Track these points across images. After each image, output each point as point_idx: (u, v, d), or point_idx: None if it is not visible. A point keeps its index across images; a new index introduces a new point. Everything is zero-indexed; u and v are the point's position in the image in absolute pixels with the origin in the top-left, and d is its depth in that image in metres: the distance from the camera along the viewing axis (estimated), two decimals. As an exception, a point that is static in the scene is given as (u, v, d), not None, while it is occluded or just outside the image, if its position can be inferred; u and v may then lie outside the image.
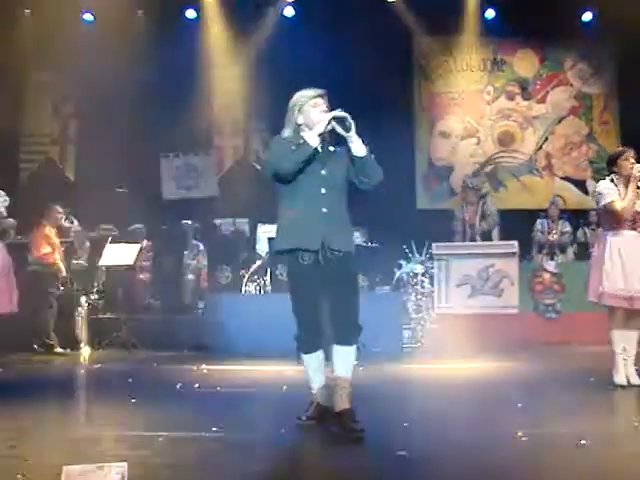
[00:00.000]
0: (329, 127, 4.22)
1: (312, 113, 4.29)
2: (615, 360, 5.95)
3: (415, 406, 5.45)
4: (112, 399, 5.57)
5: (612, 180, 5.92)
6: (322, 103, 4.33)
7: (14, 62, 12.81)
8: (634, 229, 5.85)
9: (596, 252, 6.02)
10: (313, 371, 4.40)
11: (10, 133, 13.03)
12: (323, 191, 4.24)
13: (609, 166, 6.03)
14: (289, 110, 4.36)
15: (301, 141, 4.18)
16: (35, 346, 9.24)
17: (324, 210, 4.22)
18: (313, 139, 4.19)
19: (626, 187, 5.82)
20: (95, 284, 10.20)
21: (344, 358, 4.23)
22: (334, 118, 4.20)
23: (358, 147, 4.25)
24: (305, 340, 4.35)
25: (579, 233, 11.57)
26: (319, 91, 4.36)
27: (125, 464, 2.89)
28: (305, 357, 4.40)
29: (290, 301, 4.31)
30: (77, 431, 4.26)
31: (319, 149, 4.24)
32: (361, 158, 4.25)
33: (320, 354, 4.39)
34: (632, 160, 5.88)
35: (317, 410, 4.37)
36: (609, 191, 5.87)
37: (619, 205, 5.80)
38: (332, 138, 4.37)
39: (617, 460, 3.56)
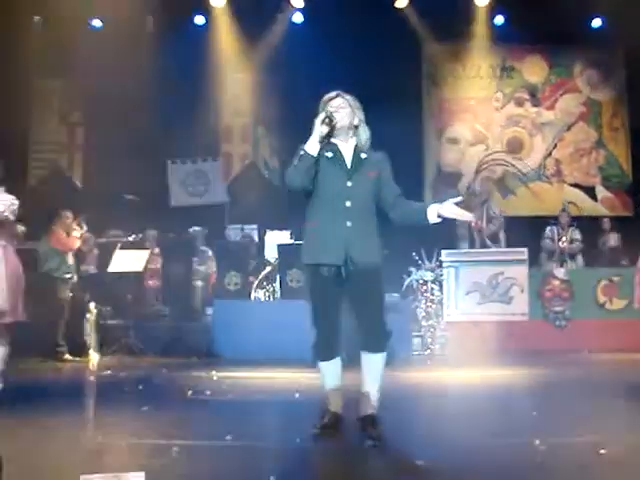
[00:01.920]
0: (324, 130, 4.09)
1: None
2: None
3: (427, 414, 5.41)
4: (123, 406, 5.54)
5: None
6: (338, 105, 4.20)
7: (23, 69, 12.84)
8: None
9: None
10: (329, 378, 4.30)
11: (19, 140, 13.06)
12: (348, 204, 4.10)
13: None
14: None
15: (302, 152, 4.08)
16: (68, 355, 9.19)
17: (348, 224, 4.09)
18: (312, 147, 4.07)
19: None
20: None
21: (373, 366, 4.17)
22: (323, 121, 4.09)
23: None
24: (323, 348, 4.25)
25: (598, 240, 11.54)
26: (333, 93, 4.25)
27: (143, 474, 2.86)
28: (322, 365, 4.30)
29: (310, 311, 4.22)
30: (90, 440, 4.22)
31: (347, 158, 4.16)
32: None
33: (337, 361, 4.31)
34: None
35: (332, 418, 4.27)
36: None
37: None
38: (366, 145, 4.25)
39: (635, 469, 3.52)
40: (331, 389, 4.30)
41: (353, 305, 4.20)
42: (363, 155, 4.21)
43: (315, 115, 4.20)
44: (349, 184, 4.11)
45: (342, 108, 4.20)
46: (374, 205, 4.20)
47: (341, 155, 4.18)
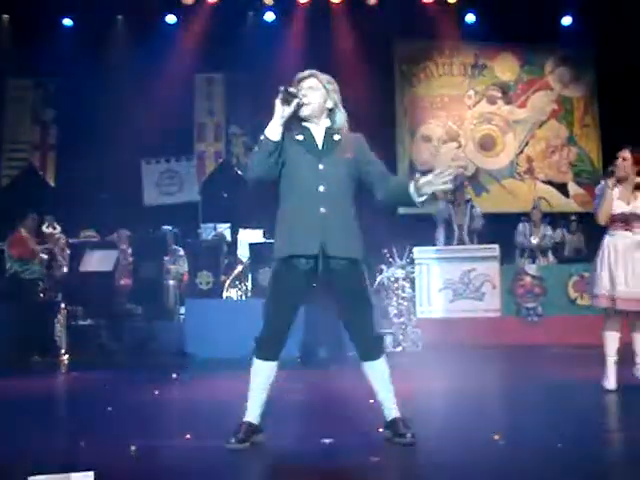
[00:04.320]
0: (286, 111, 3.75)
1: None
2: (605, 363, 5.75)
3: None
4: (89, 407, 5.51)
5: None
6: (309, 86, 3.87)
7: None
8: (627, 230, 5.68)
9: (597, 255, 5.91)
10: (261, 382, 3.88)
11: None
12: (321, 189, 3.76)
13: (610, 166, 5.82)
14: None
15: (261, 138, 3.77)
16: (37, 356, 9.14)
17: (322, 210, 3.75)
18: (272, 131, 3.75)
19: (626, 187, 5.68)
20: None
21: (377, 373, 3.95)
22: (283, 100, 3.73)
23: None
24: (268, 347, 3.85)
25: (556, 234, 11.60)
26: (308, 72, 3.93)
27: (91, 473, 2.84)
28: (257, 363, 3.88)
29: (266, 304, 3.88)
30: (48, 440, 4.20)
31: (318, 141, 3.85)
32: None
33: (274, 367, 3.90)
34: (622, 161, 5.68)
35: (248, 431, 3.86)
36: (600, 194, 5.75)
37: (597, 211, 5.74)
38: (343, 129, 3.93)
39: (592, 463, 3.54)
40: (256, 394, 3.90)
41: (340, 311, 3.94)
42: (336, 137, 3.87)
43: None
44: (321, 167, 3.79)
45: (314, 90, 3.88)
46: (351, 191, 3.88)
47: (312, 137, 3.86)
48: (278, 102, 3.76)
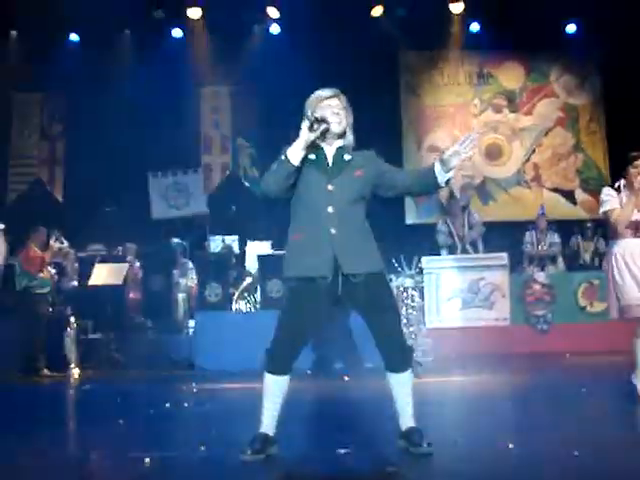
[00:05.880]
0: (312, 137, 3.69)
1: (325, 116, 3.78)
2: (638, 368, 5.58)
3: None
4: (100, 420, 5.51)
5: (618, 187, 5.65)
6: (336, 105, 3.84)
7: (1, 83, 12.83)
8: (637, 237, 5.59)
9: (605, 266, 5.82)
10: (273, 396, 3.88)
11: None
12: (330, 210, 3.72)
13: (622, 170, 5.74)
14: (304, 114, 3.82)
15: (282, 157, 3.69)
16: (47, 370, 9.15)
17: (333, 231, 3.72)
18: (295, 155, 3.68)
19: (634, 194, 5.55)
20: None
21: (402, 386, 3.94)
22: (310, 127, 3.68)
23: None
24: (276, 359, 3.84)
25: (572, 242, 11.62)
26: (332, 91, 3.87)
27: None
28: (268, 377, 3.87)
29: (279, 321, 3.86)
30: (62, 454, 4.20)
31: (329, 161, 3.83)
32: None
33: (285, 381, 3.89)
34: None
35: (263, 442, 3.85)
36: (609, 198, 5.63)
37: (614, 214, 5.57)
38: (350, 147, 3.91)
39: (608, 471, 3.53)
40: (269, 407, 3.90)
41: (367, 323, 3.87)
42: (347, 156, 3.85)
43: (296, 123, 3.76)
44: (330, 188, 3.75)
45: (339, 111, 3.86)
46: (363, 208, 3.85)
47: (324, 157, 3.84)
48: (305, 127, 3.70)
